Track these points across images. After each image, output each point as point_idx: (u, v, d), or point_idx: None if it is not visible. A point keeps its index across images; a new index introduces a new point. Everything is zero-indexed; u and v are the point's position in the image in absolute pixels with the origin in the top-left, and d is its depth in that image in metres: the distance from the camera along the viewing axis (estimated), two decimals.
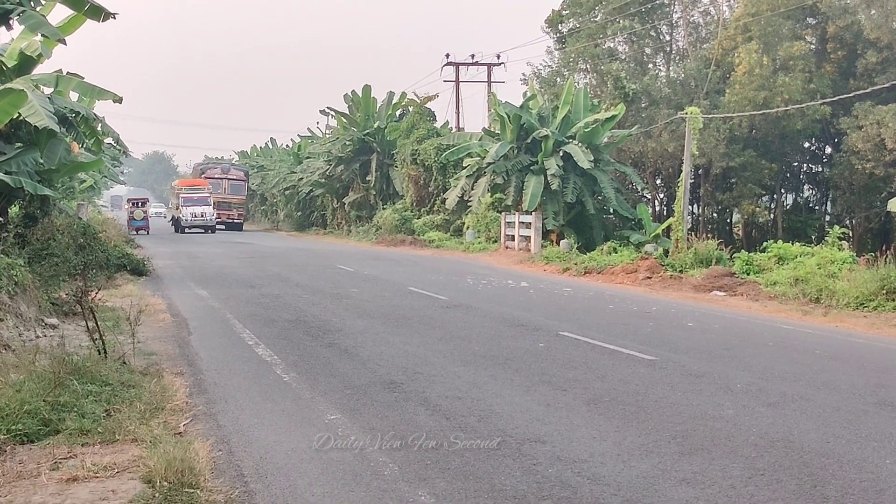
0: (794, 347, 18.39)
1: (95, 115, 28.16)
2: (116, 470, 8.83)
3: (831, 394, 13.41)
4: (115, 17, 22.00)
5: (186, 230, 78.50)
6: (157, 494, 8.12)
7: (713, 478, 8.92)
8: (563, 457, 9.48)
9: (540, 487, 8.54)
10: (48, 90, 26.46)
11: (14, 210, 26.45)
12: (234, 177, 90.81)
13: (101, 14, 21.78)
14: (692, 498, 8.36)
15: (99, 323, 13.97)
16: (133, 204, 76.55)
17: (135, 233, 66.18)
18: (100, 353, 13.06)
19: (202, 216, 77.94)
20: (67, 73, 26.75)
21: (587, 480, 8.76)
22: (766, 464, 9.42)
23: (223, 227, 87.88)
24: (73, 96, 28.42)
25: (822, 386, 14.02)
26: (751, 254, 34.51)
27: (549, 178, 46.71)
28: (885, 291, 24.18)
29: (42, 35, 22.63)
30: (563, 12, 63.78)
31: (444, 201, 58.11)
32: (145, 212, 74.51)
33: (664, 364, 15.53)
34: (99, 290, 20.13)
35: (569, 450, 9.75)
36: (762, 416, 11.66)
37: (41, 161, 25.72)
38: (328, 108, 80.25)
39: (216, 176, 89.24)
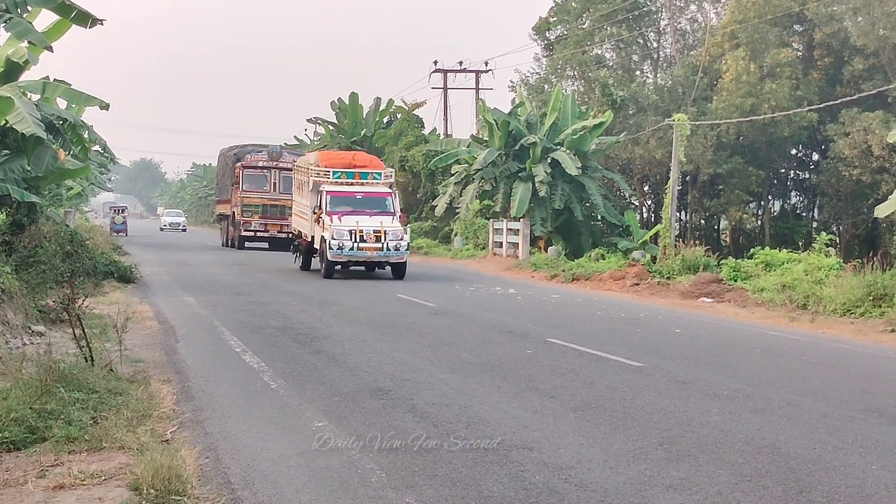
0: (781, 354, 18.42)
1: (83, 121, 28.15)
2: (103, 477, 8.81)
3: (818, 400, 13.43)
4: (102, 24, 22.01)
5: (348, 266, 35.42)
6: (144, 502, 8.11)
7: (700, 484, 8.94)
8: (551, 463, 9.48)
9: (527, 494, 8.54)
10: (35, 97, 26.43)
11: (1, 217, 26.38)
12: (290, 165, 53.40)
13: (88, 20, 21.78)
14: None
15: (86, 330, 13.94)
16: (115, 211, 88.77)
17: (115, 234, 69.85)
18: (87, 361, 13.03)
19: (379, 240, 34.15)
20: (54, 79, 26.76)
21: (574, 487, 8.77)
22: (753, 470, 9.43)
23: (265, 243, 59.70)
24: (61, 103, 28.35)
25: (808, 392, 14.04)
26: (738, 260, 34.57)
27: (536, 185, 46.78)
28: (871, 298, 24.24)
29: (29, 42, 22.61)
30: (551, 19, 63.94)
31: (432, 208, 58.18)
32: (124, 217, 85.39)
33: (651, 370, 15.55)
34: (86, 297, 20.06)
35: (556, 456, 9.76)
36: (749, 422, 11.68)
37: (28, 168, 25.68)
38: (315, 117, 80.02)
39: (260, 165, 58.71)
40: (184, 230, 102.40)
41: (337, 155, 40.21)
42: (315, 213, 35.47)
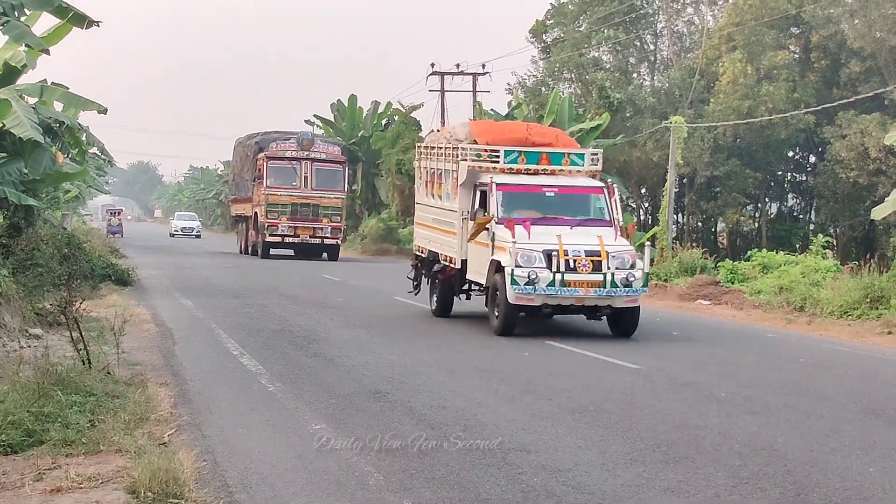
0: (778, 356, 18.44)
1: (80, 124, 28.11)
2: (101, 480, 8.81)
3: (815, 402, 13.45)
4: (98, 25, 21.99)
5: (543, 312, 20.30)
6: None
7: (698, 486, 8.94)
8: (548, 466, 9.49)
9: (525, 496, 8.55)
10: (33, 100, 26.40)
11: None
12: (324, 156, 50.31)
13: (84, 21, 21.77)
14: None
15: (83, 333, 13.93)
16: (111, 213, 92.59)
17: (111, 236, 68.68)
18: (84, 364, 13.02)
19: (598, 269, 19.72)
20: (52, 83, 26.72)
21: (572, 489, 8.77)
22: (751, 472, 9.44)
23: (291, 250, 50.69)
24: (58, 106, 28.32)
25: (806, 394, 14.06)
26: (735, 262, 34.58)
27: None
28: (868, 300, 24.25)
29: (26, 45, 22.60)
30: (548, 22, 63.89)
31: None
32: (119, 220, 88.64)
33: (649, 373, 15.57)
34: (83, 300, 20.04)
35: (553, 459, 9.76)
36: (747, 424, 11.69)
37: (25, 171, 25.65)
38: (315, 115, 79.90)
39: (289, 156, 49.35)
40: (198, 236, 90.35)
41: (502, 126, 27.05)
42: (471, 222, 21.21)
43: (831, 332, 22.75)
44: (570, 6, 62.12)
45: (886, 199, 29.41)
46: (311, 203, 48.13)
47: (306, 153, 48.64)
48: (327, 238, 48.65)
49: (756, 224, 59.50)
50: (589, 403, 12.70)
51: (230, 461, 9.54)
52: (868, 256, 32.29)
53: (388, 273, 36.80)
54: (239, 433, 10.69)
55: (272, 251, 49.09)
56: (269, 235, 48.02)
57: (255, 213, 49.99)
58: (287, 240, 48.50)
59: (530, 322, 20.32)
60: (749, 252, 35.86)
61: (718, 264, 34.75)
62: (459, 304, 23.10)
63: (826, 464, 9.87)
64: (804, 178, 59.73)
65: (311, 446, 10.12)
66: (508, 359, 16.64)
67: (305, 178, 48.35)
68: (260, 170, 48.97)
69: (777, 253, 34.45)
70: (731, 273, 32.21)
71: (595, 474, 9.27)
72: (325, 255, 49.14)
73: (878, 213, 28.70)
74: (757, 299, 27.69)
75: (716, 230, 62.84)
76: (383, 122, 74.52)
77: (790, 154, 58.80)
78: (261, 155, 49.42)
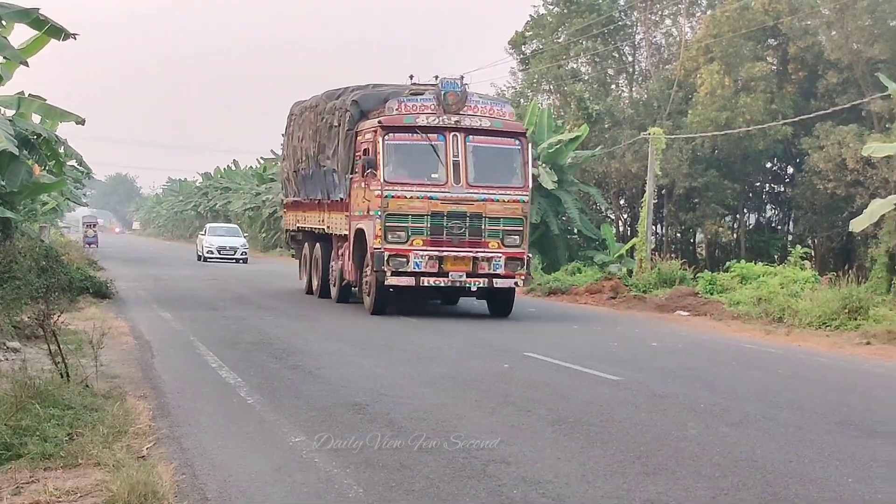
0: (757, 367, 18.49)
1: (57, 136, 28.06)
2: (79, 494, 8.77)
3: (794, 413, 13.48)
4: (75, 38, 22.01)
5: None
6: None
7: (677, 498, 8.95)
8: (528, 478, 9.48)
9: None
10: (10, 112, 26.34)
11: None
12: (488, 122, 26.28)
13: (61, 34, 21.76)
14: None
15: (61, 346, 13.87)
16: (87, 225, 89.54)
17: (87, 246, 69.69)
18: (62, 377, 12.97)
19: None
20: (30, 94, 26.66)
21: (552, 501, 8.77)
22: (730, 483, 9.45)
23: (431, 295, 29.08)
24: (36, 118, 28.26)
25: (785, 405, 14.09)
26: (714, 273, 34.73)
27: None
28: (847, 310, 24.35)
29: (3, 57, 22.57)
30: (527, 34, 64.05)
31: None
32: (95, 231, 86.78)
33: (628, 384, 15.58)
34: (61, 313, 19.92)
35: (533, 471, 9.75)
36: (726, 435, 11.71)
37: (2, 184, 25.60)
38: None
39: (424, 123, 25.86)
40: (244, 260, 62.01)
41: None
42: None
43: (810, 342, 22.83)
44: (548, 18, 62.26)
45: (864, 210, 29.56)
46: (467, 212, 25.35)
47: (455, 118, 25.90)
48: (499, 277, 25.45)
49: (734, 235, 59.68)
50: (568, 415, 12.70)
51: (209, 474, 9.50)
52: (846, 267, 32.46)
53: None
54: (218, 446, 10.65)
55: (391, 293, 26.35)
56: (392, 272, 25.14)
57: (357, 229, 26.90)
58: (425, 281, 25.37)
59: (509, 333, 20.36)
60: (728, 263, 36.04)
61: (697, 275, 34.87)
62: None
63: (805, 475, 9.89)
64: (782, 189, 59.94)
65: (289, 459, 10.09)
66: (488, 371, 16.60)
67: (456, 163, 25.61)
68: (368, 150, 26.05)
69: (756, 264, 34.62)
70: (709, 284, 32.32)
71: (575, 486, 9.27)
72: (491, 306, 27.52)
73: (856, 226, 28.85)
74: (736, 310, 27.77)
75: (695, 241, 63.03)
76: None
77: (768, 165, 59.03)
78: (367, 124, 26.98)
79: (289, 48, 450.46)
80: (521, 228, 25.72)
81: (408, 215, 25.24)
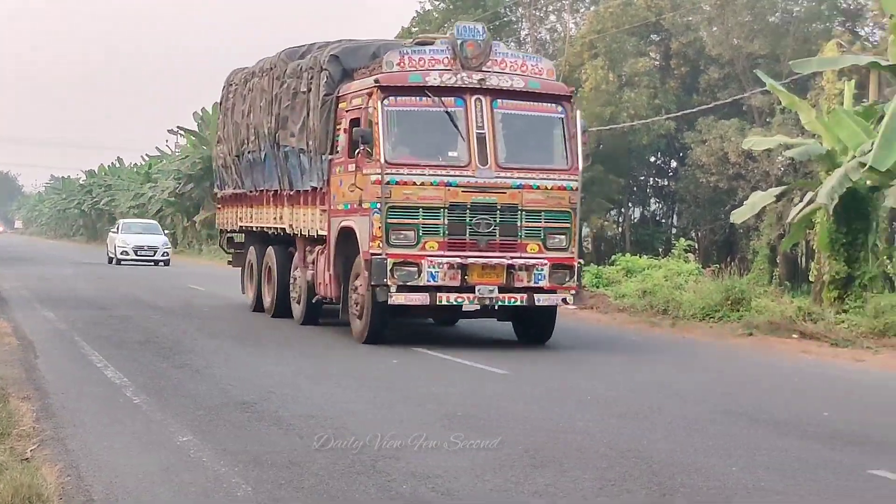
0: (643, 359, 18.77)
1: None
2: None
3: (679, 403, 13.70)
4: None
5: None
6: None
7: (565, 490, 9.03)
8: (418, 472, 9.49)
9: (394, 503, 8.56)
10: None
11: None
12: (521, 83, 18.70)
13: None
14: None
15: None
16: None
17: None
18: None
19: None
20: None
21: (441, 496, 8.79)
22: (617, 474, 9.56)
23: (460, 315, 21.76)
24: None
25: (670, 396, 14.31)
26: (600, 267, 35.07)
27: None
28: (729, 302, 24.75)
29: None
30: (413, 29, 64.08)
31: None
32: None
33: (516, 378, 15.70)
34: None
35: (423, 465, 9.77)
36: (612, 427, 11.85)
37: None
38: (178, 127, 78.63)
39: (437, 83, 18.27)
40: (165, 262, 53.57)
41: None
42: None
43: (694, 333, 23.20)
44: (434, 14, 62.41)
45: (745, 202, 30.09)
46: (497, 203, 18.36)
47: (478, 76, 18.66)
48: (542, 292, 18.71)
49: (620, 229, 60.47)
50: (457, 409, 12.74)
51: (95, 476, 9.36)
52: (729, 259, 33.10)
53: None
54: (104, 447, 10.50)
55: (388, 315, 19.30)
56: (398, 286, 18.01)
57: (341, 227, 19.52)
58: (444, 298, 18.25)
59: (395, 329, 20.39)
60: (613, 256, 36.40)
61: (583, 269, 35.16)
62: None
63: (690, 464, 10.05)
64: (666, 183, 60.88)
65: (177, 459, 10.00)
66: (377, 365, 16.61)
67: (480, 137, 18.31)
68: (359, 121, 18.62)
69: (640, 257, 35.00)
70: (595, 277, 32.61)
71: (464, 480, 9.30)
72: (520, 328, 20.80)
73: (737, 217, 29.32)
74: (622, 303, 28.07)
75: (581, 235, 63.62)
76: None
77: (652, 159, 59.92)
78: (354, 86, 19.70)
79: (181, 43, 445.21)
80: (568, 225, 19.10)
81: (418, 208, 18.21)
